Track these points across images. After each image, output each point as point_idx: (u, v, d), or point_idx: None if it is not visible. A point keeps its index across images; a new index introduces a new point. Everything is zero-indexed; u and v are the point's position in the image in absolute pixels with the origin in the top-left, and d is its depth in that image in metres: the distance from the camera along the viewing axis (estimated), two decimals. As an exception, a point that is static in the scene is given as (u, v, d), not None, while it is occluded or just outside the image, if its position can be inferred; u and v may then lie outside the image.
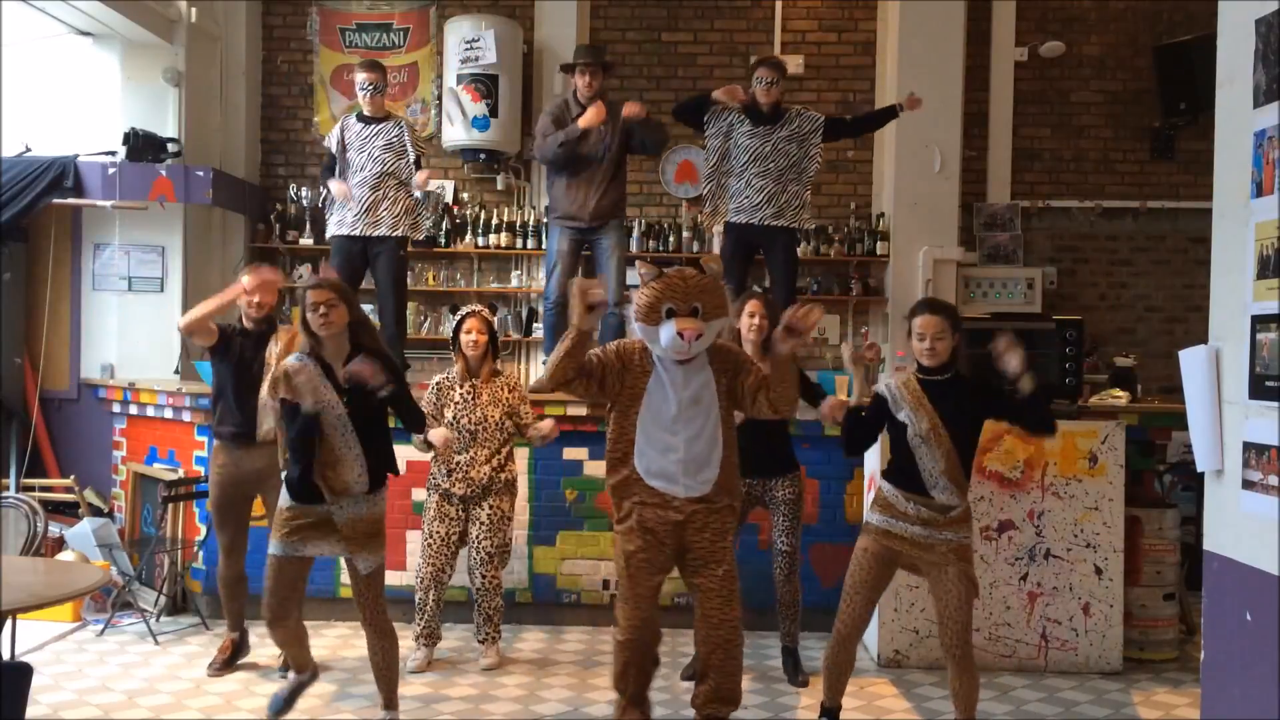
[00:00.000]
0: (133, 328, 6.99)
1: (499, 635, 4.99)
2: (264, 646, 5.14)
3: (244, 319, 4.74)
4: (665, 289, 3.41)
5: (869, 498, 4.03)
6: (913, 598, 4.98)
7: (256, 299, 4.65)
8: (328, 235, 6.02)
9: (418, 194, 5.95)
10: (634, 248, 7.56)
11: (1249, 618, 2.90)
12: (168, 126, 6.99)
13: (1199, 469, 3.20)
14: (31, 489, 6.38)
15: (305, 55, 7.95)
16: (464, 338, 4.83)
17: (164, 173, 6.71)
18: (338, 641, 5.28)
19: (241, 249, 7.66)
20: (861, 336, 7.31)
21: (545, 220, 6.84)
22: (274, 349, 4.57)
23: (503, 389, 4.88)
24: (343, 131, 5.86)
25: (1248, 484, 2.93)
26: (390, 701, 4.00)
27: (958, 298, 7.47)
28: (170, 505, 5.68)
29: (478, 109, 7.27)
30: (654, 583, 3.60)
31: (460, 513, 4.86)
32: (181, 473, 5.87)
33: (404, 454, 5.48)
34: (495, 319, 5.01)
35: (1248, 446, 2.93)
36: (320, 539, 3.80)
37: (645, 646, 3.63)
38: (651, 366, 3.55)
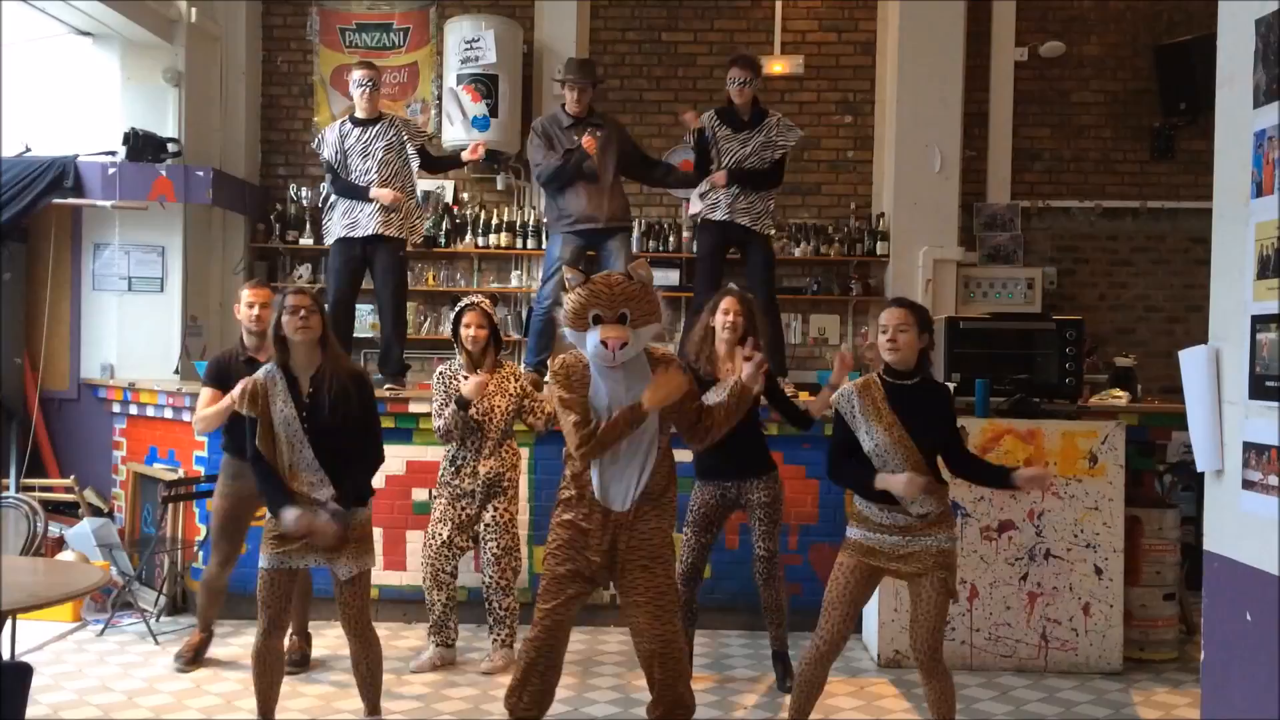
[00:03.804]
0: (133, 328, 6.99)
1: (511, 639, 4.90)
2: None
3: (244, 339, 4.78)
4: (590, 295, 3.35)
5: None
6: (913, 598, 4.98)
7: (256, 313, 4.71)
8: (330, 240, 5.95)
9: (418, 196, 5.94)
10: (634, 248, 7.56)
11: (1249, 618, 2.90)
12: (168, 126, 6.98)
13: (1199, 469, 3.19)
14: (31, 489, 6.38)
15: (305, 55, 7.95)
16: (464, 331, 4.82)
17: (164, 173, 6.71)
18: (338, 641, 5.28)
19: (241, 249, 7.67)
20: (861, 337, 7.32)
21: (544, 223, 6.80)
22: None
23: (509, 379, 4.89)
24: (341, 139, 5.81)
25: (1248, 484, 2.93)
26: (374, 708, 3.97)
27: (957, 298, 7.47)
28: (170, 505, 5.68)
29: (478, 109, 7.27)
30: (574, 590, 3.51)
31: (467, 514, 4.85)
32: (181, 473, 5.87)
33: (404, 453, 5.54)
34: (495, 310, 4.99)
35: (1248, 446, 2.93)
36: (305, 550, 3.77)
37: (552, 651, 3.49)
38: (590, 378, 3.47)
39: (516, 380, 4.92)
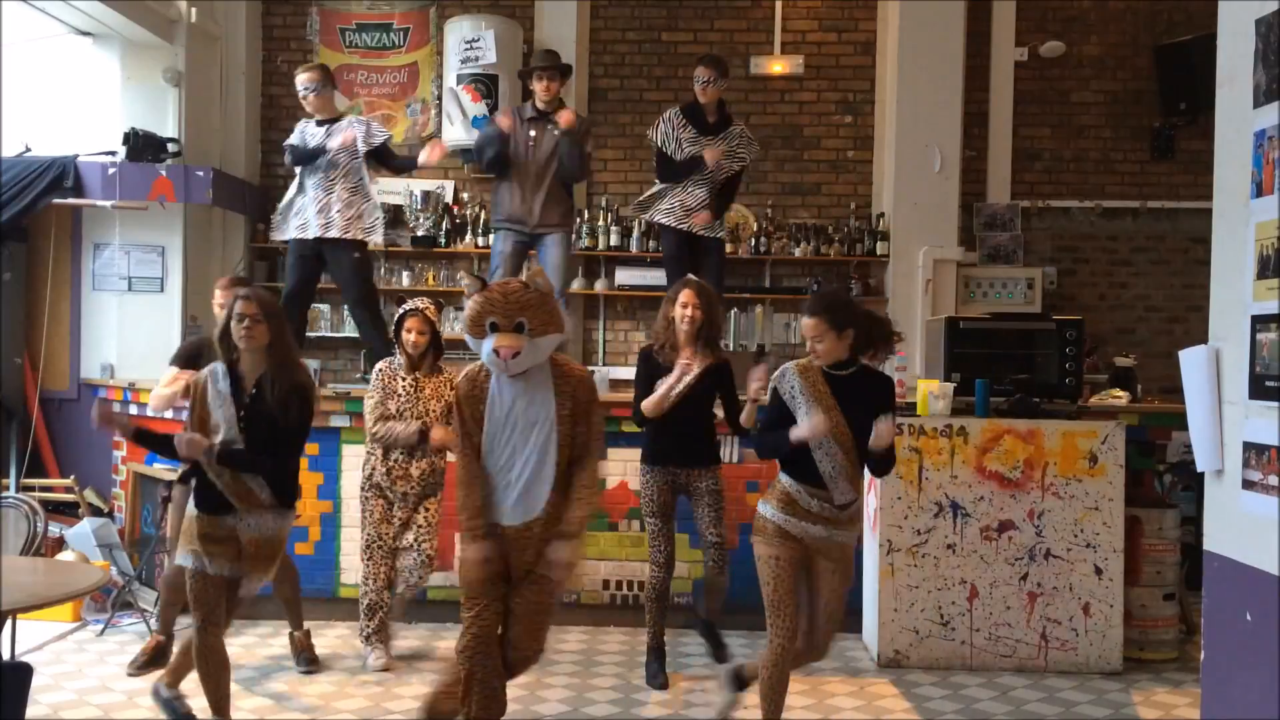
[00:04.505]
0: (133, 328, 7.00)
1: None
2: (263, 646, 5.16)
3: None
4: (486, 303, 3.33)
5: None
6: (913, 598, 4.98)
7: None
8: (286, 237, 5.91)
9: (376, 198, 5.83)
10: (633, 248, 7.57)
11: (1249, 618, 2.90)
12: (168, 126, 6.99)
13: (1199, 469, 3.19)
14: (31, 489, 6.38)
15: (305, 55, 7.95)
16: (405, 336, 4.83)
17: (164, 173, 6.71)
18: (338, 641, 5.28)
19: (241, 249, 7.67)
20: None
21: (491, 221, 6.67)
22: None
23: (445, 385, 4.88)
24: (304, 138, 5.83)
25: (1248, 484, 2.92)
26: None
27: (957, 298, 7.47)
28: (170, 505, 5.67)
29: (478, 109, 7.27)
30: (495, 593, 3.45)
31: (401, 517, 4.87)
32: (181, 473, 5.86)
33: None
34: (438, 316, 5.01)
35: (1248, 446, 2.93)
36: (223, 556, 3.70)
37: (488, 656, 3.44)
38: (489, 388, 3.44)
39: (452, 388, 4.79)
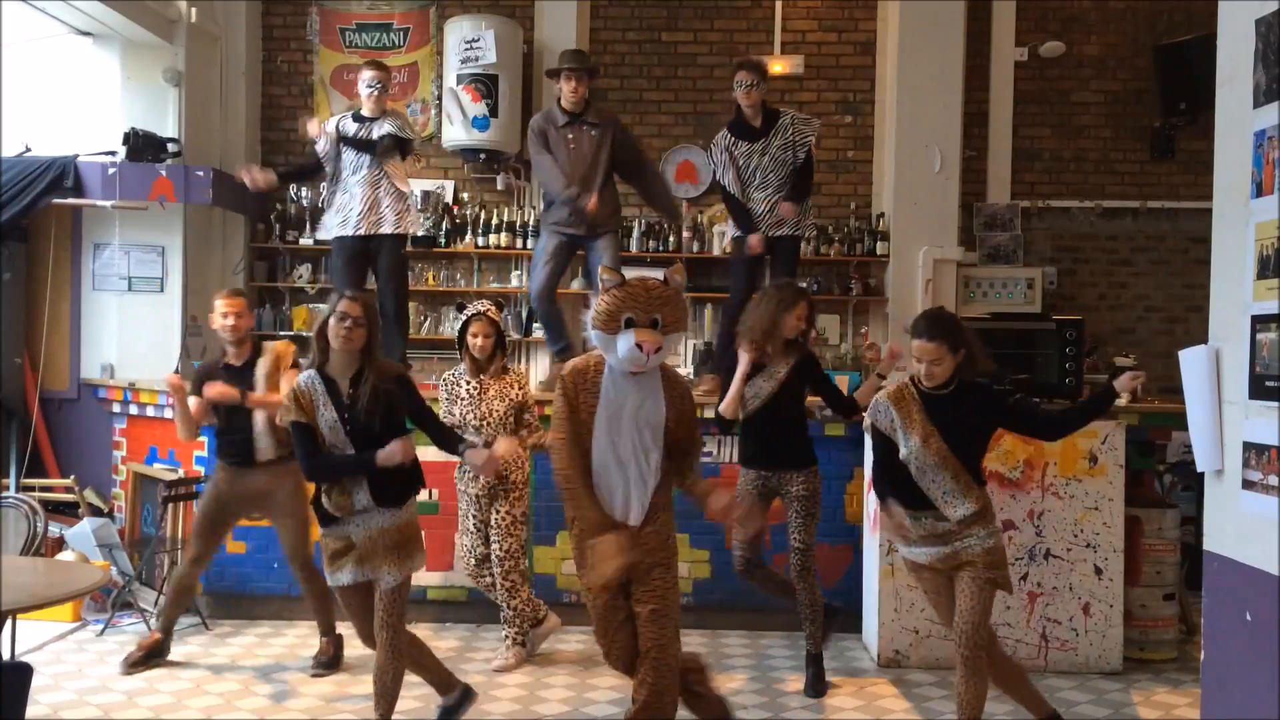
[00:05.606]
0: (133, 328, 6.99)
1: (522, 638, 5.02)
2: (262, 646, 5.15)
3: (224, 349, 4.89)
4: (626, 298, 3.29)
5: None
6: (913, 598, 4.98)
7: (231, 323, 4.79)
8: (330, 235, 5.97)
9: (413, 191, 5.93)
10: (634, 248, 7.56)
11: (1249, 618, 2.90)
12: (168, 126, 6.98)
13: (1199, 469, 3.19)
14: (31, 489, 6.38)
15: (305, 55, 7.95)
16: (470, 340, 4.86)
17: (164, 173, 6.71)
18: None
19: (242, 249, 7.67)
20: (861, 337, 7.31)
21: (539, 218, 6.78)
22: (262, 368, 4.76)
23: (511, 385, 4.92)
24: (339, 131, 5.86)
25: (1248, 484, 2.92)
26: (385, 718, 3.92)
27: (957, 298, 7.47)
28: (170, 505, 5.68)
29: (478, 109, 7.26)
30: (624, 614, 3.47)
31: (478, 519, 4.95)
32: (181, 473, 5.87)
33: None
34: (501, 316, 5.03)
35: (1248, 446, 2.93)
36: (349, 562, 3.76)
37: (632, 654, 3.48)
38: (599, 388, 3.41)
39: (519, 389, 4.94)
